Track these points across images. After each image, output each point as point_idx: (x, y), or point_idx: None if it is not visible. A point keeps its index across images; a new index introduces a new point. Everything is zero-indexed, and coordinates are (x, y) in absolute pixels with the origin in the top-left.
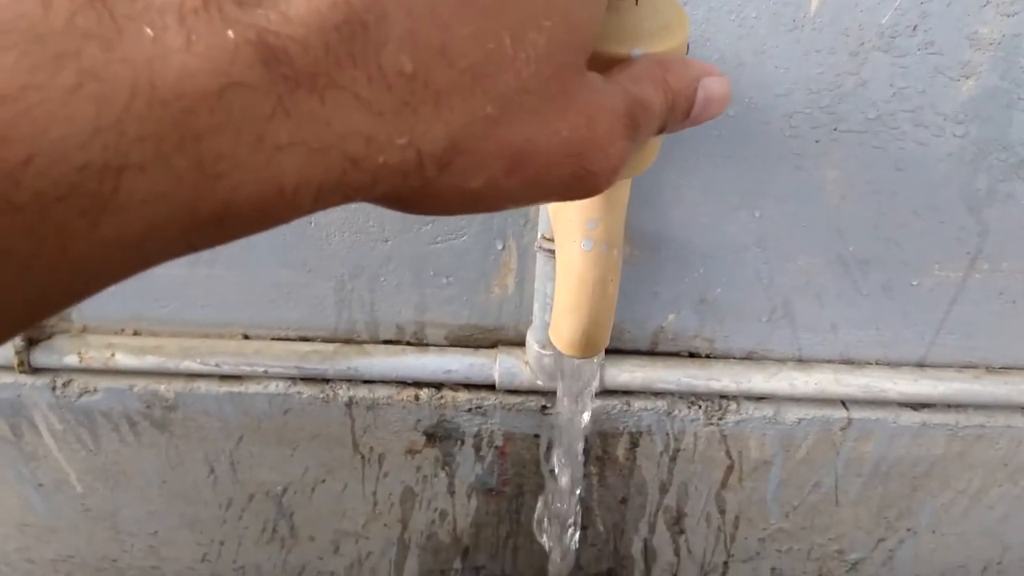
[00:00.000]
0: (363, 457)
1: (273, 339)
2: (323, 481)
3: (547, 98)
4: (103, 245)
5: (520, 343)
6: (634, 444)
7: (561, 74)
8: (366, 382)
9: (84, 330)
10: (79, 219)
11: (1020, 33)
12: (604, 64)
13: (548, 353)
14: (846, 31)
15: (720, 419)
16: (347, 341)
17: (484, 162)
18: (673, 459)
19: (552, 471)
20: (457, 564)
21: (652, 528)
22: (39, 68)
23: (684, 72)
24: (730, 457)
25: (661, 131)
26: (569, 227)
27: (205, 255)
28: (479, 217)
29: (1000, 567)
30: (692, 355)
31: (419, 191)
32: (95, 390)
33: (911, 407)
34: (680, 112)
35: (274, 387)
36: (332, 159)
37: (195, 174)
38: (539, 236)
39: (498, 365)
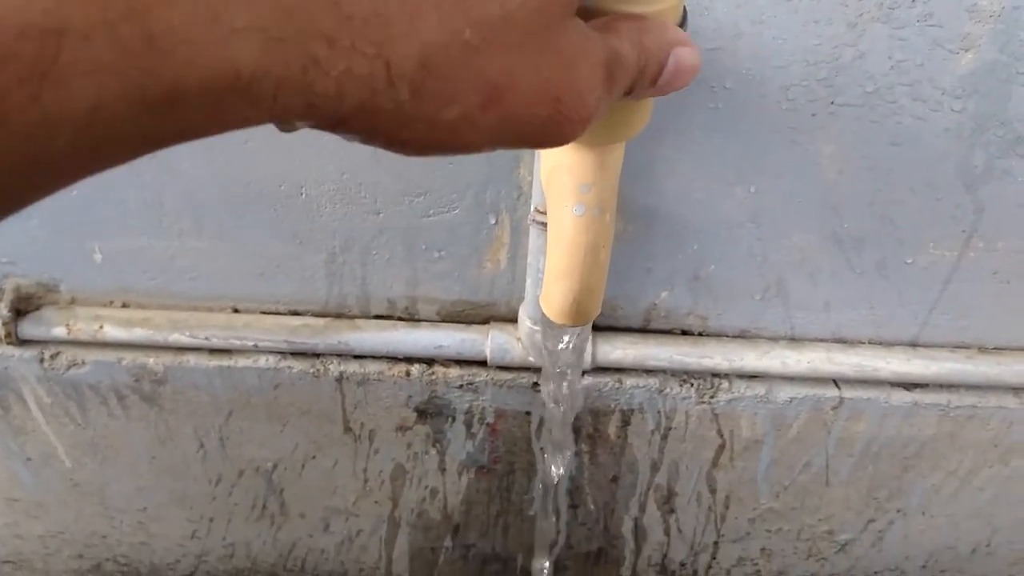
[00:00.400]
0: (353, 433)
1: (263, 313)
2: (313, 457)
3: (530, 33)
4: (46, 120)
5: (512, 319)
6: (625, 422)
7: (548, 11)
8: (357, 357)
9: (72, 302)
10: (19, 88)
11: (1020, 5)
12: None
13: (540, 329)
14: (845, 1)
15: (712, 397)
16: (338, 315)
17: (460, 91)
18: (664, 437)
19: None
20: (448, 542)
21: (643, 507)
22: None
23: (659, 36)
24: (721, 436)
25: (629, 92)
26: (562, 191)
27: (192, 225)
28: (472, 190)
29: (989, 549)
30: (685, 333)
31: (390, 117)
32: (83, 363)
33: (903, 387)
34: (649, 76)
35: (264, 361)
36: (291, 53)
37: (143, 47)
38: (532, 209)
39: (490, 341)
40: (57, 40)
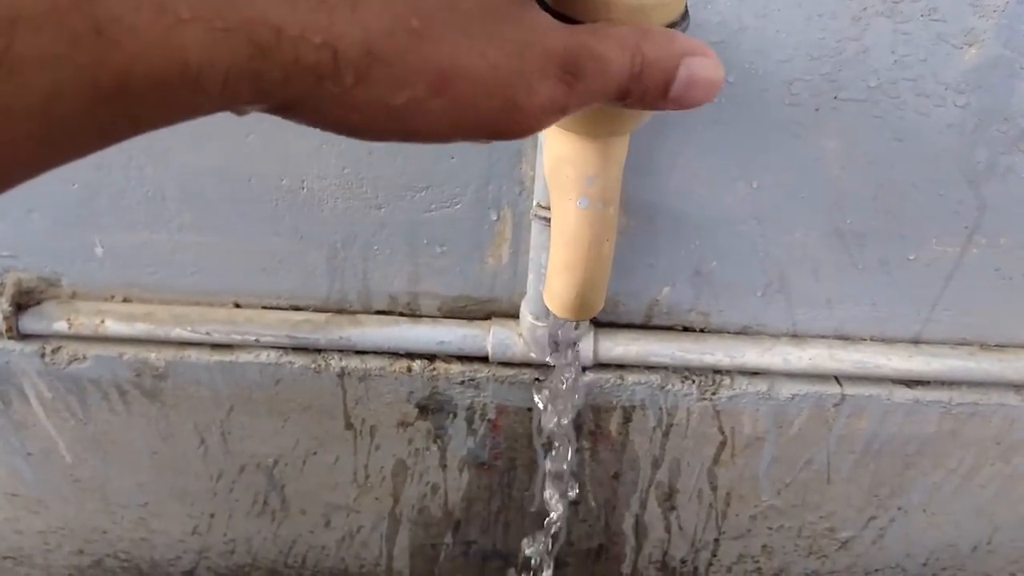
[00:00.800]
0: (355, 429)
1: (264, 307)
2: (314, 453)
3: (477, 19)
4: (2, 111)
5: (514, 315)
6: (627, 419)
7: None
8: (358, 352)
9: (74, 296)
10: None
11: None
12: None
13: (542, 325)
14: None
15: (713, 394)
16: (339, 311)
17: (406, 77)
18: (666, 434)
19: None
20: (448, 538)
21: (644, 504)
22: None
23: (665, 44)
24: (723, 433)
25: (624, 98)
26: (565, 184)
27: (194, 219)
28: (474, 185)
29: (990, 547)
30: (687, 329)
31: (338, 102)
32: (84, 357)
33: (905, 384)
34: (654, 85)
35: (265, 356)
36: (238, 42)
37: (93, 37)
38: (535, 204)
39: (491, 337)
40: (10, 30)
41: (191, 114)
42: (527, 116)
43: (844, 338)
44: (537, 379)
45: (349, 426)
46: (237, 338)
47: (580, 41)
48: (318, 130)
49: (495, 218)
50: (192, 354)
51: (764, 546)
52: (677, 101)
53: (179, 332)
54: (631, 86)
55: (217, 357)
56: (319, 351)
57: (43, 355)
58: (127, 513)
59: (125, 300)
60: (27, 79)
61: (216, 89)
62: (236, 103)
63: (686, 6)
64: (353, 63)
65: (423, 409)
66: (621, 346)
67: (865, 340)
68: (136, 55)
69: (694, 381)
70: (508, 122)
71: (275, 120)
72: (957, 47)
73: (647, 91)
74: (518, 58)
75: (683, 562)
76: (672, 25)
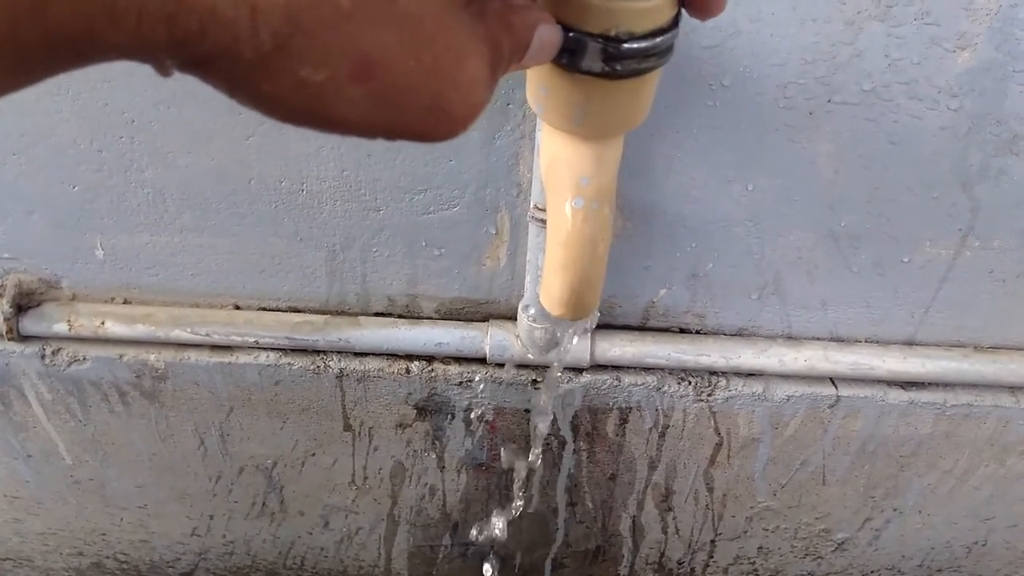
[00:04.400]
0: (353, 431)
1: (264, 309)
2: (313, 455)
3: (413, 18)
4: None
5: (512, 317)
6: (623, 420)
7: (434, 0)
8: (357, 354)
9: (74, 298)
10: None
11: (1017, 3)
12: None
13: (540, 327)
14: None
15: (709, 395)
16: (338, 312)
17: (327, 54)
18: (662, 436)
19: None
20: (447, 540)
21: (640, 505)
22: None
23: (527, 16)
24: (719, 434)
25: (503, 72)
26: (561, 185)
27: (194, 221)
28: (472, 187)
29: (985, 548)
30: (683, 331)
31: (254, 66)
32: (84, 359)
33: (899, 385)
34: (517, 56)
35: (264, 358)
36: None
37: None
38: (532, 206)
39: (489, 338)
40: None
41: (110, 52)
42: (455, 122)
43: (839, 340)
44: (535, 380)
45: (348, 427)
46: (236, 339)
47: (491, 36)
48: (314, 131)
49: (493, 220)
50: (192, 355)
51: (760, 547)
52: (525, 64)
53: (179, 334)
54: (509, 61)
55: (216, 358)
56: (318, 352)
57: (43, 356)
58: (126, 514)
59: (125, 302)
60: None
61: (131, 25)
62: (154, 49)
63: (680, 7)
64: (272, 27)
65: (421, 410)
66: (618, 348)
67: (860, 342)
68: None
69: (690, 383)
70: (434, 125)
71: (275, 123)
72: (950, 51)
73: (512, 61)
74: (455, 65)
75: (680, 563)
76: (669, 28)
